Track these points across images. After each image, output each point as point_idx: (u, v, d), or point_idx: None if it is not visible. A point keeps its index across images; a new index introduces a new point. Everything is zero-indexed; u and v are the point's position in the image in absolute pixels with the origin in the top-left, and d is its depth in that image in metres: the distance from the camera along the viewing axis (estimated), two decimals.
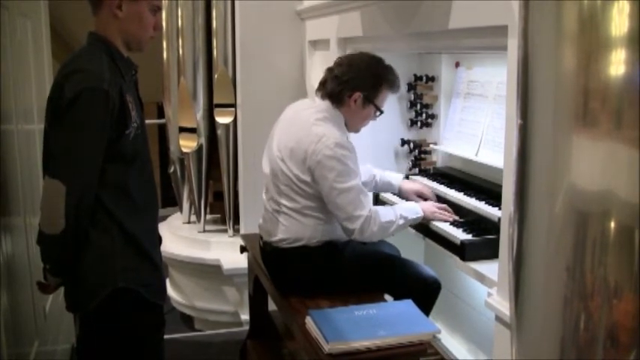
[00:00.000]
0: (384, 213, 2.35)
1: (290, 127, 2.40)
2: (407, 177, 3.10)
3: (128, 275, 1.85)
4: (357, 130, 2.53)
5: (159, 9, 1.92)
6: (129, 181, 1.85)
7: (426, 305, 2.33)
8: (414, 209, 2.43)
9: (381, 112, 2.47)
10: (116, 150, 1.79)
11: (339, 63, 2.44)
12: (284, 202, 2.37)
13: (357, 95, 2.37)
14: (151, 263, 1.93)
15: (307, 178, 2.29)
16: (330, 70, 2.45)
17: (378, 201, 2.93)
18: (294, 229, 2.36)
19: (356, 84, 2.36)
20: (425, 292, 2.39)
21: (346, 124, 2.43)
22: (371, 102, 2.40)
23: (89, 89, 1.71)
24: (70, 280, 1.89)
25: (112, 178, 1.81)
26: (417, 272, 2.44)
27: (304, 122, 2.35)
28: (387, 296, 2.47)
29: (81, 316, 1.93)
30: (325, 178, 2.24)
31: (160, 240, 2.08)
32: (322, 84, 2.44)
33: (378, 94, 2.41)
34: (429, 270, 2.49)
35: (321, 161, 2.24)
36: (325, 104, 2.39)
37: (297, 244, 2.37)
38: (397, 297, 2.39)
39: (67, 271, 1.85)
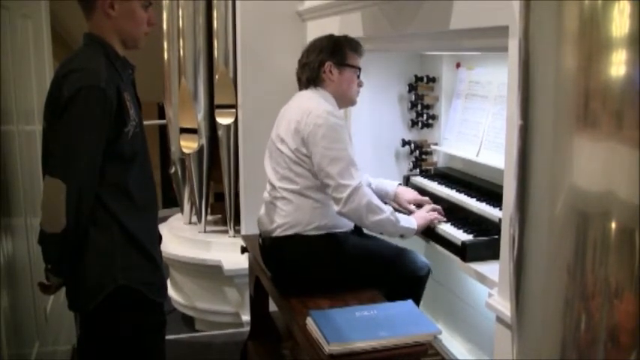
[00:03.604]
0: (379, 201, 2.37)
1: (285, 115, 2.51)
2: (407, 178, 3.10)
3: (129, 274, 1.85)
4: (353, 101, 2.61)
5: (150, 4, 1.94)
6: (128, 180, 1.85)
7: (416, 292, 2.39)
8: (409, 219, 2.45)
9: (360, 70, 2.57)
10: (115, 149, 1.80)
11: (300, 58, 2.60)
12: (284, 185, 2.41)
13: (328, 65, 2.50)
14: (152, 262, 1.93)
15: (304, 149, 2.36)
16: (297, 70, 2.61)
17: None
18: (292, 213, 2.39)
19: (321, 58, 2.51)
20: (413, 278, 2.45)
21: (338, 101, 2.53)
22: (343, 64, 2.53)
23: (87, 88, 1.72)
24: (71, 279, 1.89)
25: (112, 177, 1.82)
26: (409, 261, 2.48)
27: (297, 104, 2.49)
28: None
29: (82, 315, 1.93)
30: (317, 146, 2.32)
31: (160, 238, 2.08)
32: (299, 81, 2.60)
33: (345, 56, 2.54)
34: (422, 258, 2.54)
35: (313, 130, 2.33)
36: (309, 90, 2.53)
37: (296, 229, 2.39)
38: (388, 284, 2.43)
39: (69, 270, 1.85)
